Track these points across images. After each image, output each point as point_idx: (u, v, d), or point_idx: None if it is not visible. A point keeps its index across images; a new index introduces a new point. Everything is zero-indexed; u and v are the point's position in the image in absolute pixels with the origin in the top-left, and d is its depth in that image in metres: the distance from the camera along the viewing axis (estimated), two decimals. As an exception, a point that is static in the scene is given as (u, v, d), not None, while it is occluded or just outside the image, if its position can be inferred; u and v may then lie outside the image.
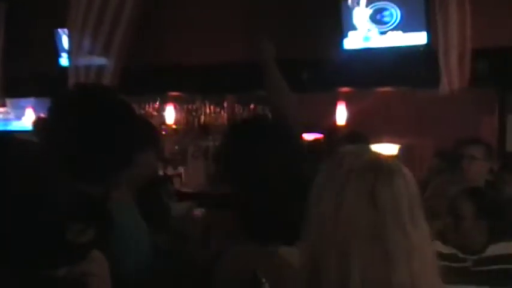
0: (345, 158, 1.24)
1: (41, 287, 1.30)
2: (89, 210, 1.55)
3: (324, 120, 7.97)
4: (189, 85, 8.01)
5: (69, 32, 6.99)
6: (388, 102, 7.50)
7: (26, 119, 9.32)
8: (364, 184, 1.18)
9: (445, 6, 5.68)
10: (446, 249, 2.90)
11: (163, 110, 9.24)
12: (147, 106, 9.27)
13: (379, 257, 1.13)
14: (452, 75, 5.27)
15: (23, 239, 1.28)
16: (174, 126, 9.26)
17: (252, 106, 9.33)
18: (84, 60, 6.91)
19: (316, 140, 7.01)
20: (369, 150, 1.33)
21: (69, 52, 7.17)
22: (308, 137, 8.15)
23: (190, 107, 9.44)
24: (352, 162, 1.22)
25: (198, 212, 5.25)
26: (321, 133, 7.37)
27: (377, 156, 1.27)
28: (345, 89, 7.60)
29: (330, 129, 7.76)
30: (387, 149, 7.22)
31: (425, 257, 1.16)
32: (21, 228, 1.29)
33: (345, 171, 1.21)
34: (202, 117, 9.44)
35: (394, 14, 6.44)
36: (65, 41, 7.77)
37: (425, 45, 6.33)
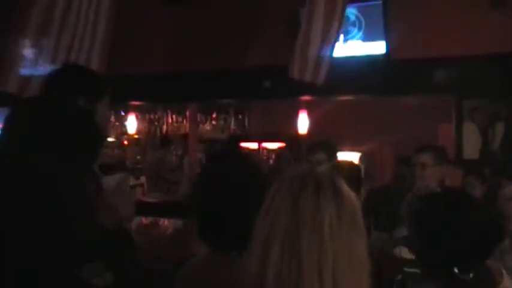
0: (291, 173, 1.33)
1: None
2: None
3: (286, 129, 8.02)
4: (151, 94, 7.98)
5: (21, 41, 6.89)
6: (349, 110, 7.59)
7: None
8: (291, 192, 1.26)
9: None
10: (409, 255, 2.94)
11: (125, 119, 9.18)
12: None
13: (292, 263, 1.20)
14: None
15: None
16: (136, 136, 9.20)
17: (213, 115, 9.34)
18: (40, 70, 6.79)
19: (280, 149, 7.06)
20: (314, 168, 1.39)
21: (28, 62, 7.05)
22: (271, 146, 8.20)
23: (152, 116, 9.40)
24: (289, 174, 1.32)
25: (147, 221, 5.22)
26: (284, 142, 7.42)
27: (314, 171, 1.33)
28: (306, 97, 7.68)
29: (292, 138, 7.81)
30: (348, 156, 7.31)
31: (343, 270, 1.21)
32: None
33: (280, 181, 1.30)
34: (165, 127, 9.41)
35: (356, 24, 6.55)
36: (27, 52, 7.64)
37: (385, 54, 6.45)
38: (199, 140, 8.95)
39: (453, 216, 1.80)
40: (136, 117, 9.17)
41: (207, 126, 9.49)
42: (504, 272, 1.93)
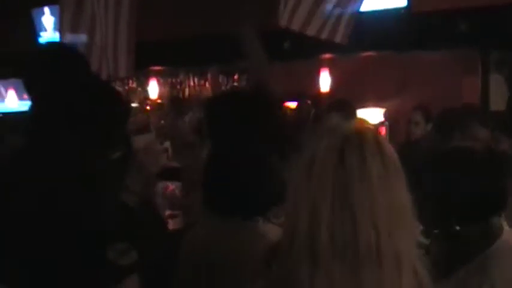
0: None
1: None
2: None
3: (308, 88, 7.96)
4: (172, 58, 7.95)
5: (61, 9, 6.90)
6: (371, 67, 7.49)
7: (9, 101, 9.24)
8: (335, 146, 1.24)
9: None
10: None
11: (146, 85, 9.18)
12: (130, 82, 9.21)
13: (345, 215, 1.19)
14: None
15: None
16: (158, 101, 9.22)
17: (235, 76, 9.30)
18: (71, 37, 6.80)
19: (301, 101, 6.98)
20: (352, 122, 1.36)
21: (59, 30, 7.07)
22: (293, 105, 8.16)
23: (173, 80, 9.39)
24: (327, 128, 1.32)
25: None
26: (305, 101, 7.37)
27: (353, 125, 1.32)
28: (327, 56, 7.58)
29: (315, 96, 7.75)
30: (372, 113, 7.24)
31: (395, 212, 1.21)
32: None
33: (317, 136, 1.29)
34: (187, 90, 9.40)
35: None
36: (45, 20, 7.70)
37: (406, 7, 6.32)
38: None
39: (451, 176, 1.80)
40: (158, 82, 9.17)
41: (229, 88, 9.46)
42: (505, 225, 1.93)
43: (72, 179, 1.58)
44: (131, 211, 1.71)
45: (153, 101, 9.13)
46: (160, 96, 9.25)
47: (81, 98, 1.85)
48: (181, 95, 9.35)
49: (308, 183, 1.22)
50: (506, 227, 1.90)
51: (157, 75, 9.12)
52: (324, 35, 4.39)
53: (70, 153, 1.67)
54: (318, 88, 7.99)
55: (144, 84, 9.25)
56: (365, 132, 1.28)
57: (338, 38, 4.42)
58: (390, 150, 1.27)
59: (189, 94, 9.34)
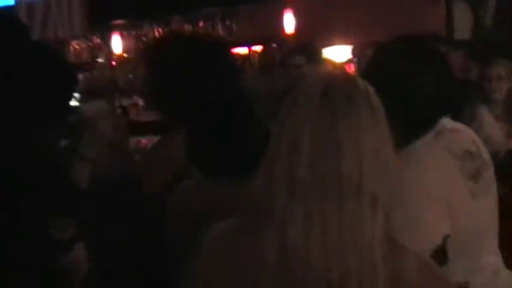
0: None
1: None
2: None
3: (275, 32, 7.89)
4: (133, 10, 7.79)
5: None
6: (336, 4, 7.43)
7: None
8: (319, 87, 1.24)
9: None
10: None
11: (109, 40, 9.01)
12: (94, 38, 9.03)
13: (329, 149, 1.19)
14: None
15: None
16: (124, 55, 9.08)
17: (201, 24, 9.17)
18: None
19: (265, 51, 6.91)
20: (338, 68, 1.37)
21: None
22: (257, 48, 8.09)
23: (138, 33, 9.22)
24: (312, 74, 1.32)
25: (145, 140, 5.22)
26: (270, 44, 7.30)
27: (339, 71, 1.33)
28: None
29: (281, 39, 7.69)
30: (339, 51, 7.22)
31: (379, 156, 1.22)
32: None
33: (301, 82, 1.28)
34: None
35: None
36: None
37: None
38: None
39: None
40: (122, 36, 9.00)
41: (195, 36, 9.33)
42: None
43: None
44: (77, 188, 1.70)
45: (118, 56, 8.99)
46: (125, 51, 9.10)
47: (19, 67, 1.80)
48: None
49: (290, 120, 1.23)
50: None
51: (121, 29, 8.95)
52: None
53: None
54: (284, 30, 7.92)
55: (108, 40, 9.08)
56: (355, 79, 1.28)
57: None
58: (378, 101, 1.27)
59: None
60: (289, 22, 7.85)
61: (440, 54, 1.95)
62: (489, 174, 1.88)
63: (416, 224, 1.70)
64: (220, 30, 9.19)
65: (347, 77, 1.28)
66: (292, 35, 7.80)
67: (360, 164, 1.19)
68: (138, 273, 1.83)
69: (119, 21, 8.46)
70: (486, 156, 1.89)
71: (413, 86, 1.80)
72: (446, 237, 1.75)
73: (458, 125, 1.96)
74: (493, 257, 1.91)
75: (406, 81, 1.80)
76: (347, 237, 1.18)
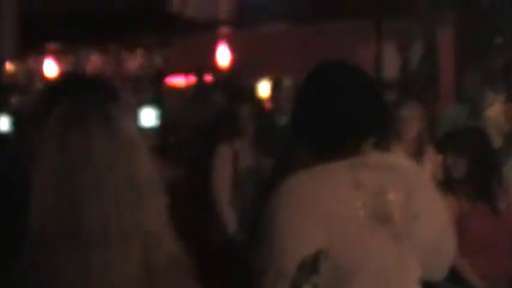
0: None
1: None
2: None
3: (211, 63, 7.95)
4: (68, 35, 7.73)
5: None
6: (269, 40, 7.58)
7: None
8: (55, 125, 1.20)
9: None
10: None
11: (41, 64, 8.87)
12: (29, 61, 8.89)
13: (68, 201, 1.16)
14: None
15: None
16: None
17: (139, 52, 9.16)
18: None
19: (198, 82, 6.89)
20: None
21: None
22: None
23: (73, 58, 9.13)
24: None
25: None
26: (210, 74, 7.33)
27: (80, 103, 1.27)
28: (224, 30, 7.59)
29: (218, 71, 7.75)
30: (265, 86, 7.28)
31: (130, 197, 1.19)
32: None
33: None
34: (90, 67, 9.16)
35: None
36: None
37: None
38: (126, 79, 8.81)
39: None
40: (56, 60, 8.88)
41: (133, 64, 9.31)
42: None
43: None
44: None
45: (50, 80, 8.85)
46: (60, 75, 8.96)
47: None
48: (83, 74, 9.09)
49: (35, 172, 1.20)
50: None
51: (55, 53, 8.83)
52: (203, 15, 4.38)
53: None
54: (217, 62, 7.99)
55: (39, 64, 8.93)
56: (88, 108, 1.23)
57: (222, 15, 4.43)
58: (121, 123, 1.22)
59: (90, 72, 9.10)
60: (223, 54, 7.92)
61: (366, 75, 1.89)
62: (412, 229, 1.77)
63: (290, 229, 1.68)
64: (157, 60, 9.21)
65: (82, 111, 1.22)
66: (227, 67, 7.89)
67: (100, 209, 1.16)
68: None
69: (53, 46, 8.35)
70: (414, 207, 1.79)
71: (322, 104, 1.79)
72: (318, 253, 1.68)
73: (395, 162, 1.91)
74: None
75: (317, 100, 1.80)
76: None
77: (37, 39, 7.78)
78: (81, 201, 1.15)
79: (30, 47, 7.94)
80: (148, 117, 6.93)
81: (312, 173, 1.78)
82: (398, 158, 1.98)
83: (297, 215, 1.72)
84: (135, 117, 7.64)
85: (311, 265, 1.70)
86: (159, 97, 7.85)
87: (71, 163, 1.16)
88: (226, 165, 3.87)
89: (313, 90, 1.82)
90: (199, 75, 6.90)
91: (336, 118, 1.79)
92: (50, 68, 8.78)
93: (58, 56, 8.88)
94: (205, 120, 4.43)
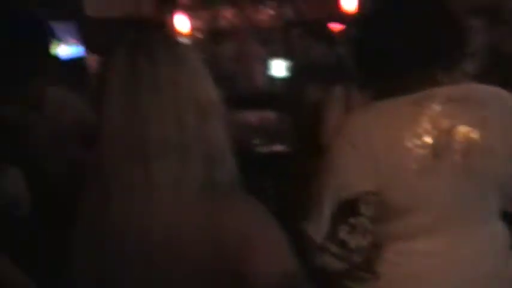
0: None
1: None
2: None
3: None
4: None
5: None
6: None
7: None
8: (124, 54, 1.33)
9: None
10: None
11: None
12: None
13: (135, 118, 1.29)
14: None
15: None
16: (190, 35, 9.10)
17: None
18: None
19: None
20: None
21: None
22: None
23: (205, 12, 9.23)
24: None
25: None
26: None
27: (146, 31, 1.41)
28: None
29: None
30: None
31: (194, 115, 1.30)
32: None
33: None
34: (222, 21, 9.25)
35: None
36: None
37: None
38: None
39: None
40: (187, 15, 9.02)
41: (263, 16, 9.27)
42: None
43: None
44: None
45: (186, 35, 9.02)
46: (194, 29, 9.13)
47: None
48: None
49: (104, 91, 1.31)
50: None
51: (187, 9, 8.98)
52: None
53: None
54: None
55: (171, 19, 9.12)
56: (155, 36, 1.35)
57: None
58: (183, 50, 1.35)
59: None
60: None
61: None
62: (476, 161, 1.71)
63: (338, 169, 1.71)
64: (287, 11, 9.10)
65: (149, 34, 1.35)
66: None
67: (162, 122, 1.27)
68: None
69: (184, 1, 8.51)
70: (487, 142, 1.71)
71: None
72: (364, 193, 1.68)
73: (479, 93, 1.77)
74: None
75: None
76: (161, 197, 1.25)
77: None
78: (145, 120, 1.27)
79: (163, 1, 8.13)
80: (279, 68, 7.04)
81: (367, 112, 1.75)
82: (475, 87, 1.81)
83: (349, 157, 1.73)
84: (266, 67, 7.74)
85: (352, 207, 1.72)
86: (290, 48, 7.82)
87: (137, 85, 1.28)
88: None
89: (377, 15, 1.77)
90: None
91: (395, 47, 1.70)
92: (182, 23, 8.94)
93: (189, 12, 9.02)
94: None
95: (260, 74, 7.85)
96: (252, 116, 5.55)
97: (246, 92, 7.06)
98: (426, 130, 1.66)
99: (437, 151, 1.66)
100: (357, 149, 1.70)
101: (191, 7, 8.90)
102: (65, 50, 7.92)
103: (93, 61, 6.72)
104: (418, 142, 1.66)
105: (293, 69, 6.73)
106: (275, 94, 6.42)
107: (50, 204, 1.80)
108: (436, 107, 1.69)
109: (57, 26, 8.55)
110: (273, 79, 7.41)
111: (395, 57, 1.76)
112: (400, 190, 1.69)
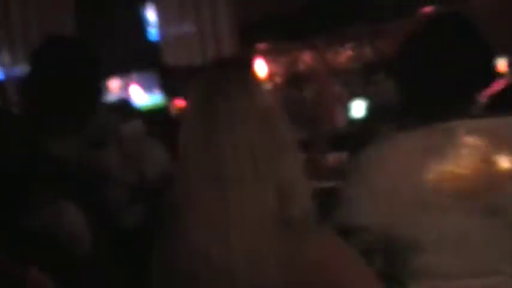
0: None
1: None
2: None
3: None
4: (278, 34, 7.89)
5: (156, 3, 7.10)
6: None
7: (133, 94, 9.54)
8: (203, 83, 1.39)
9: None
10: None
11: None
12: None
13: (211, 151, 1.32)
14: None
15: None
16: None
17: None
18: (174, 30, 6.96)
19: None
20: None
21: (157, 24, 7.27)
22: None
23: (284, 56, 9.29)
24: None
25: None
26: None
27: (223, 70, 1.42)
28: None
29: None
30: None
31: (268, 154, 1.31)
32: None
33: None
34: (300, 65, 9.28)
35: None
36: (150, 15, 7.89)
37: None
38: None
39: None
40: (266, 60, 9.10)
41: (342, 57, 9.21)
42: None
43: None
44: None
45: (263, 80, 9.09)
46: (273, 74, 9.18)
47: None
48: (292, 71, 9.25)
49: (182, 132, 1.36)
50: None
51: (266, 53, 9.06)
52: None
53: None
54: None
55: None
56: (229, 71, 1.37)
57: None
58: (258, 87, 1.36)
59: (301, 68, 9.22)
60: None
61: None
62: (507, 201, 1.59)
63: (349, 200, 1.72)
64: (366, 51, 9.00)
65: (224, 73, 1.37)
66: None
67: (238, 160, 1.28)
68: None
69: (263, 46, 8.61)
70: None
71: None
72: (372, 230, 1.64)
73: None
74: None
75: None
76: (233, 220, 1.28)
77: (248, 40, 8.07)
78: (221, 155, 1.30)
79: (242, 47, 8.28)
80: (359, 108, 6.98)
81: (381, 148, 1.73)
82: (502, 120, 1.69)
83: (360, 192, 1.71)
84: (346, 108, 7.66)
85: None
86: (369, 89, 7.75)
87: (213, 123, 1.31)
88: None
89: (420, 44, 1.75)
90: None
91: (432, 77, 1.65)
92: (261, 68, 9.02)
93: (268, 56, 9.10)
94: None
95: (341, 115, 7.79)
96: (330, 157, 5.48)
97: (327, 134, 7.00)
98: (442, 163, 1.62)
99: (456, 188, 1.60)
100: (368, 187, 1.69)
101: (269, 52, 8.99)
102: (147, 99, 8.18)
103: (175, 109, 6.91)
104: (432, 176, 1.61)
105: (370, 110, 6.65)
106: (353, 135, 6.32)
107: (113, 242, 1.78)
108: (464, 139, 1.63)
109: (142, 76, 8.87)
110: (353, 120, 7.33)
111: (435, 88, 1.71)
112: (408, 226, 1.65)
